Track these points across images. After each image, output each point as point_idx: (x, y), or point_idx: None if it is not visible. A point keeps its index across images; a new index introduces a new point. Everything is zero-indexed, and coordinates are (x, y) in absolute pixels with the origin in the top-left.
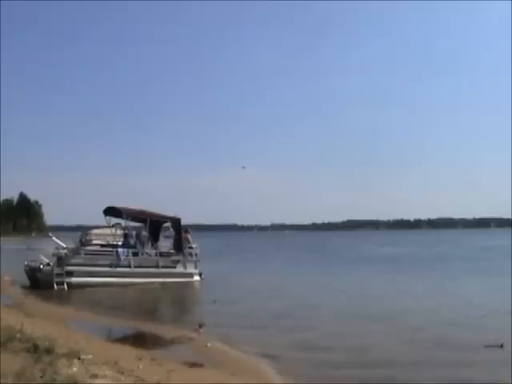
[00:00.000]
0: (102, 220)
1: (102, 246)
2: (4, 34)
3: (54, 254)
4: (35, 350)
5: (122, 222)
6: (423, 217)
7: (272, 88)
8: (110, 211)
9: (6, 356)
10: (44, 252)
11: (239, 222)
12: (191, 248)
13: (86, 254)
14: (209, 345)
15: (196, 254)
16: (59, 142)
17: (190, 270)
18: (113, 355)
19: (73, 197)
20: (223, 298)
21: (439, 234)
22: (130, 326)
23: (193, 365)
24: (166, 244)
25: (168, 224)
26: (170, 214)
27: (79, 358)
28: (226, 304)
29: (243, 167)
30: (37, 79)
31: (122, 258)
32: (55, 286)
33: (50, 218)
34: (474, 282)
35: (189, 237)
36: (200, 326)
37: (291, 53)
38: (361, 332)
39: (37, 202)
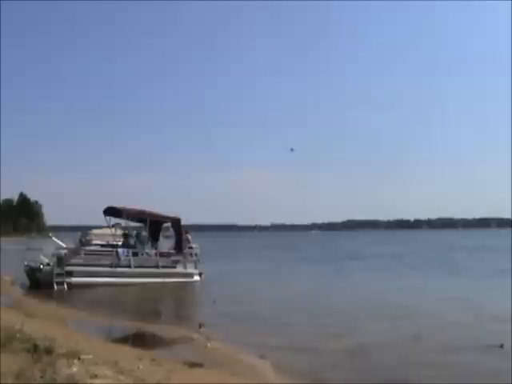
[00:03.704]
0: (102, 220)
1: (102, 245)
2: (4, 34)
3: (53, 254)
4: (35, 350)
5: (122, 222)
6: (423, 217)
7: (272, 88)
8: (110, 211)
9: (6, 356)
10: (44, 252)
11: (239, 222)
12: (191, 248)
13: (85, 254)
14: (209, 345)
15: (196, 254)
16: (59, 142)
17: (190, 269)
18: (113, 355)
19: (73, 197)
20: (223, 298)
21: (439, 234)
22: (130, 326)
23: (193, 365)
24: (166, 244)
25: (168, 224)
26: (170, 214)
27: (79, 358)
28: (226, 304)
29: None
30: (37, 79)
31: (122, 258)
32: (55, 286)
33: (50, 218)
34: (467, 282)
35: (189, 237)
36: (200, 325)
37: (291, 53)
38: (360, 332)
39: (37, 202)
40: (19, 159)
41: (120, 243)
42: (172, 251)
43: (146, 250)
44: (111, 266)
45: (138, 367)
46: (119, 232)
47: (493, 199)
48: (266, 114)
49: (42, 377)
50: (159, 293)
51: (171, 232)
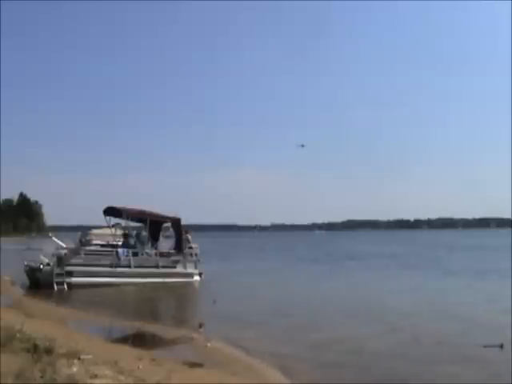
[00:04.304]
0: (102, 220)
1: (102, 245)
2: (4, 34)
3: (53, 254)
4: (35, 349)
5: (122, 222)
6: (423, 217)
7: (272, 88)
8: (110, 211)
9: (6, 356)
10: (44, 252)
11: (239, 222)
12: (191, 248)
13: (85, 254)
14: (209, 345)
15: (196, 254)
16: (59, 142)
17: (190, 269)
18: (113, 355)
19: (73, 197)
20: (223, 297)
21: (439, 234)
22: (130, 326)
23: (193, 365)
24: (166, 244)
25: (168, 224)
26: (170, 214)
27: (79, 358)
28: (226, 304)
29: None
30: (37, 79)
31: (122, 258)
32: (55, 286)
33: (50, 218)
34: (466, 283)
35: (189, 237)
36: (200, 325)
37: (291, 53)
38: (360, 332)
39: (37, 202)
40: (19, 159)
41: (120, 243)
42: (172, 251)
43: (146, 250)
44: (111, 266)
45: (138, 367)
46: (119, 232)
47: (493, 199)
48: (265, 114)
49: (42, 377)
50: (159, 293)
51: (171, 232)
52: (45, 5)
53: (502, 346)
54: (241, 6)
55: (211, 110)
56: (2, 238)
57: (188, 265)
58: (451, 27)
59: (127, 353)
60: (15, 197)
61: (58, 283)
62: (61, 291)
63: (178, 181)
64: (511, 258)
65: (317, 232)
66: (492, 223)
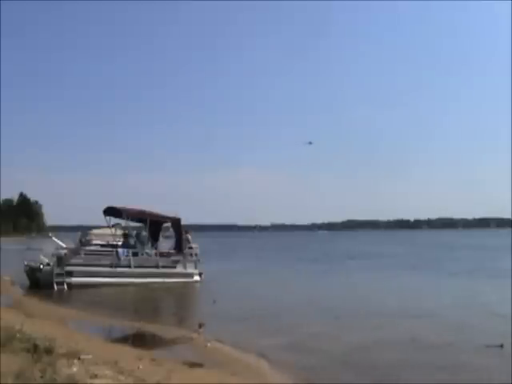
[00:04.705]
0: (102, 220)
1: (102, 245)
2: (4, 34)
3: (53, 254)
4: (35, 349)
5: (122, 222)
6: (423, 217)
7: (272, 88)
8: (110, 211)
9: (6, 356)
10: (44, 252)
11: (239, 222)
12: (191, 248)
13: (85, 254)
14: (209, 345)
15: (196, 254)
16: (59, 142)
17: (190, 269)
18: (113, 355)
19: (73, 197)
20: (223, 298)
21: (438, 234)
22: (130, 326)
23: (193, 365)
24: (166, 244)
25: (168, 224)
26: (170, 214)
27: (79, 358)
28: (226, 304)
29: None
30: (37, 79)
31: (122, 258)
32: (55, 286)
33: (50, 218)
34: (466, 283)
35: (189, 237)
36: (200, 325)
37: (291, 53)
38: (359, 332)
39: (37, 202)
40: (19, 159)
41: (120, 243)
42: (172, 251)
43: (146, 250)
44: (111, 266)
45: (138, 367)
46: (119, 232)
47: (493, 199)
48: (265, 114)
49: (42, 377)
50: (159, 293)
51: (171, 232)
52: (45, 5)
53: (502, 346)
54: (241, 5)
55: (211, 110)
56: (2, 238)
57: (188, 265)
58: (451, 27)
59: (127, 353)
60: (15, 197)
61: (58, 283)
62: (61, 291)
63: (177, 181)
64: (511, 258)
65: (319, 232)
66: (492, 223)
